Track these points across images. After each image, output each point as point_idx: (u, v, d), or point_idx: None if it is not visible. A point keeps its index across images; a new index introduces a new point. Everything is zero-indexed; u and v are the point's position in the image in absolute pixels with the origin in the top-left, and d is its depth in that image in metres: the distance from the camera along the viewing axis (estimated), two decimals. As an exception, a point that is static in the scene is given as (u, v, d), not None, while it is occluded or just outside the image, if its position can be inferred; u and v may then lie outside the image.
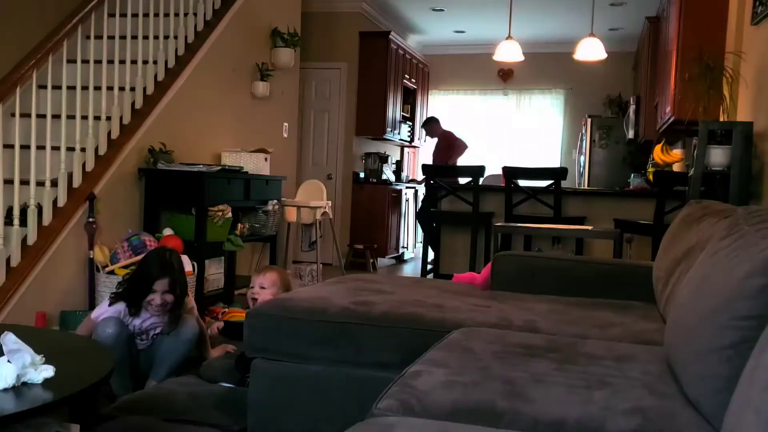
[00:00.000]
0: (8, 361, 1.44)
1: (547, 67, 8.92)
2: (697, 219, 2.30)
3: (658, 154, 5.24)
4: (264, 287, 2.82)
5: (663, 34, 5.96)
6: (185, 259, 3.96)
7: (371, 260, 7.32)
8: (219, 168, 4.41)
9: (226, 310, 4.26)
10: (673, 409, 1.38)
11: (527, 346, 1.82)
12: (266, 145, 5.38)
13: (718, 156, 3.42)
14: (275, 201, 5.09)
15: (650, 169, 5.50)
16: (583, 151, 8.19)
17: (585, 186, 7.91)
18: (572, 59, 6.69)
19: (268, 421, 2.24)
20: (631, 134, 7.43)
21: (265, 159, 5.09)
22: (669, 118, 4.99)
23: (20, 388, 1.45)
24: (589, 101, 8.71)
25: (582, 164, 8.26)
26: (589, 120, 8.12)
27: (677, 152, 5.31)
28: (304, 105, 7.41)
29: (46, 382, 1.48)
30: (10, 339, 1.48)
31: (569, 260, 3.09)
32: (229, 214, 4.40)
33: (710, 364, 1.33)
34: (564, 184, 5.05)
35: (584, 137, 8.21)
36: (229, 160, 4.89)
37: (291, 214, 5.79)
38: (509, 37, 6.25)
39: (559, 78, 9.05)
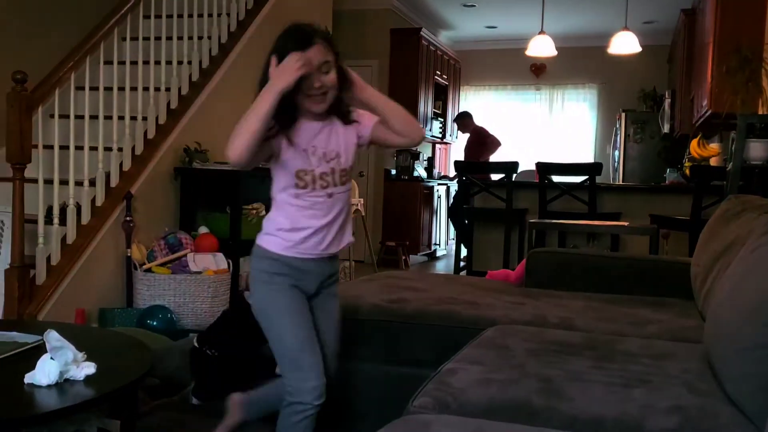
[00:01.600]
0: (51, 358, 1.47)
1: (580, 61, 8.81)
2: (737, 214, 2.25)
3: (694, 148, 5.14)
4: None
5: (699, 26, 5.84)
6: (220, 256, 4.01)
7: (403, 257, 7.32)
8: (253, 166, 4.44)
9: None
10: (714, 407, 1.35)
11: (563, 343, 1.80)
12: (298, 143, 5.40)
13: (757, 150, 3.34)
14: (308, 199, 5.12)
15: (687, 164, 5.40)
16: (618, 146, 8.08)
17: (620, 181, 7.80)
18: (606, 53, 6.60)
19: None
20: (666, 128, 7.30)
21: (298, 157, 5.11)
22: (706, 112, 4.89)
23: (63, 384, 1.48)
24: (623, 95, 8.58)
25: (616, 159, 8.15)
26: (623, 114, 7.99)
27: (714, 146, 5.20)
28: (336, 103, 7.42)
29: (88, 379, 1.51)
30: (53, 336, 1.51)
31: (605, 257, 3.05)
32: (263, 212, 4.43)
33: (753, 361, 1.30)
34: (598, 179, 4.98)
35: (618, 132, 8.09)
36: (262, 158, 4.92)
37: (323, 212, 5.81)
38: (542, 31, 6.19)
39: (593, 72, 8.93)
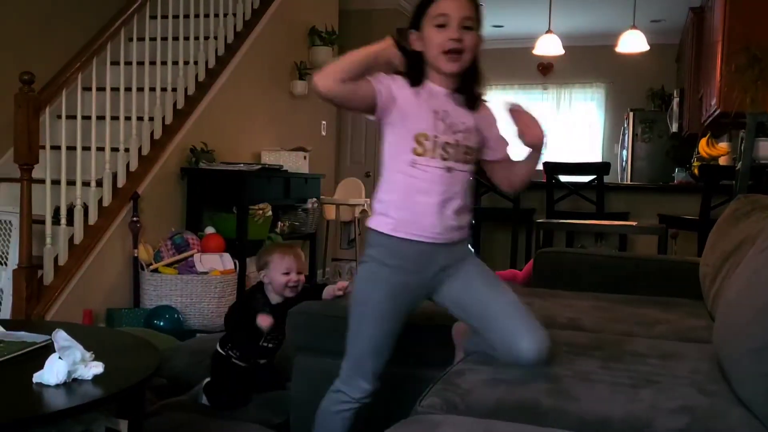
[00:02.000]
0: (59, 357, 1.48)
1: (587, 60, 8.77)
2: (746, 213, 2.24)
3: (703, 147, 5.12)
4: (300, 272, 2.47)
5: (708, 25, 5.82)
6: (227, 257, 4.02)
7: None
8: (259, 167, 4.46)
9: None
10: (723, 408, 1.34)
11: (571, 344, 1.79)
12: (305, 143, 5.42)
13: (766, 149, 3.33)
14: (314, 199, 5.12)
15: (695, 163, 5.38)
16: (626, 145, 8.05)
17: (628, 181, 7.77)
18: (613, 52, 6.57)
19: (311, 416, 2.25)
20: (674, 128, 7.27)
21: (304, 157, 5.12)
22: (715, 111, 4.87)
23: (71, 384, 1.48)
24: (631, 95, 8.54)
25: (624, 159, 8.12)
26: (631, 114, 7.96)
27: (723, 145, 5.18)
28: (342, 103, 7.41)
29: (96, 379, 1.51)
30: (61, 336, 1.51)
31: (613, 257, 3.04)
32: (270, 213, 4.44)
33: (763, 362, 1.29)
34: (606, 179, 4.96)
35: (626, 131, 8.06)
36: (269, 158, 4.93)
37: (330, 212, 5.82)
38: (549, 30, 6.17)
39: (600, 71, 8.89)
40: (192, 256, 3.88)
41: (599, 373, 1.55)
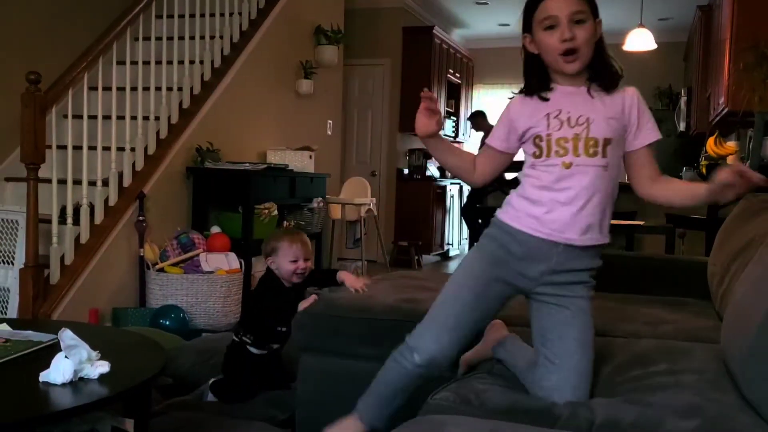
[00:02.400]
0: (66, 356, 1.48)
1: (593, 59, 8.74)
2: (755, 213, 2.23)
3: (711, 146, 5.09)
4: (308, 259, 2.52)
5: (715, 23, 5.78)
6: (232, 256, 4.02)
7: (416, 257, 7.31)
8: (265, 166, 4.46)
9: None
10: (731, 410, 1.33)
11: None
12: (310, 142, 5.41)
13: (775, 147, 3.30)
14: (320, 198, 5.12)
15: (703, 162, 5.35)
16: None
17: (634, 180, 7.72)
18: (621, 50, 6.54)
19: (316, 417, 2.24)
20: (682, 127, 7.24)
21: (310, 156, 5.12)
22: (722, 110, 4.84)
23: (77, 383, 1.48)
24: (642, 95, 8.51)
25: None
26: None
27: (731, 144, 5.15)
28: (348, 102, 7.43)
29: (102, 378, 1.51)
30: (68, 335, 1.51)
31: (620, 256, 3.03)
32: (275, 212, 4.44)
33: (772, 363, 1.28)
34: (613, 178, 4.94)
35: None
36: (275, 158, 4.93)
37: (335, 212, 5.82)
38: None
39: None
40: (198, 255, 3.88)
41: (608, 375, 1.55)
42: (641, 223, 4.50)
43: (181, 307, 3.65)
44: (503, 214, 1.61)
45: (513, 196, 1.62)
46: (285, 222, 4.78)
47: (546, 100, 1.55)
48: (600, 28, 1.57)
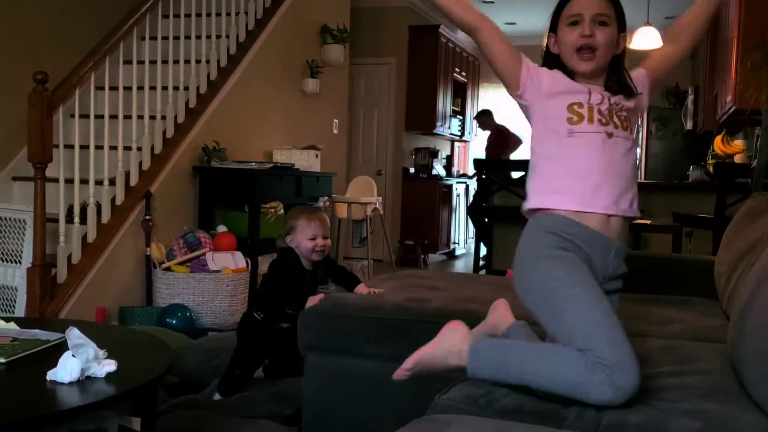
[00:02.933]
0: (73, 355, 1.48)
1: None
2: (762, 211, 2.21)
3: (718, 145, 5.07)
4: (326, 237, 2.53)
5: (722, 21, 5.76)
6: (239, 255, 4.02)
7: (422, 256, 7.31)
8: (271, 165, 4.46)
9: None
10: (737, 412, 1.33)
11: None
12: (316, 141, 5.42)
13: (783, 146, 3.28)
14: (326, 197, 5.12)
15: (710, 161, 5.33)
16: (639, 143, 8.00)
17: (642, 179, 7.72)
18: (627, 49, 6.51)
19: (323, 416, 2.25)
20: (689, 125, 7.21)
21: (316, 155, 5.12)
22: (730, 108, 4.82)
23: (84, 381, 1.49)
24: (645, 93, 8.48)
25: (638, 157, 8.07)
26: (645, 111, 7.91)
27: (739, 143, 5.12)
28: (354, 101, 7.43)
29: (109, 376, 1.52)
30: (75, 334, 1.52)
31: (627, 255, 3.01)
32: (281, 211, 4.44)
33: (779, 364, 1.27)
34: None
35: (640, 129, 8.01)
36: (281, 157, 4.94)
37: (342, 211, 5.82)
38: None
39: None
40: (204, 254, 3.89)
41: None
42: (648, 222, 4.49)
43: (187, 306, 3.66)
44: (549, 202, 1.53)
45: (548, 185, 1.54)
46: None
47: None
48: (624, 42, 1.59)
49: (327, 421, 2.25)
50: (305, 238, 2.45)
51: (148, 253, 3.83)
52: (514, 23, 8.59)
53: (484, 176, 5.46)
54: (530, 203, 1.57)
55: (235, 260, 3.98)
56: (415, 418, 1.34)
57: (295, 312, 2.39)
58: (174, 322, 3.51)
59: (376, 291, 2.39)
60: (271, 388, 2.47)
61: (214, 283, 3.79)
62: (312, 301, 2.30)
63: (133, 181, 3.84)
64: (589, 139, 1.50)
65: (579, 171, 1.50)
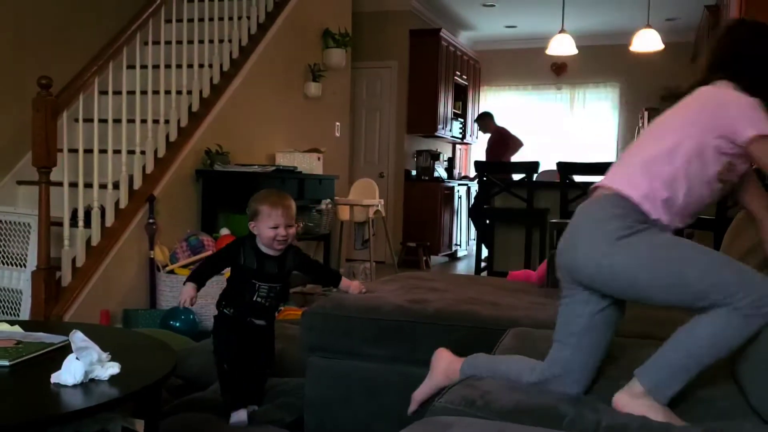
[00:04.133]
0: (77, 358, 1.50)
1: (601, 60, 8.74)
2: (763, 214, 2.21)
3: (719, 146, 5.06)
4: (290, 225, 2.27)
5: (723, 23, 5.76)
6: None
7: (424, 258, 7.32)
8: (273, 168, 4.48)
9: (282, 308, 4.32)
10: (738, 418, 1.34)
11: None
12: (319, 144, 5.44)
13: (784, 148, 3.28)
14: (328, 200, 5.14)
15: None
16: (640, 144, 7.98)
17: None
18: (628, 51, 6.54)
19: (324, 417, 2.26)
20: (690, 127, 7.20)
21: (318, 158, 5.14)
22: (731, 110, 4.81)
23: (88, 384, 1.50)
24: (645, 94, 8.49)
25: (639, 159, 8.05)
26: (645, 113, 7.91)
27: (740, 144, 5.12)
28: (356, 104, 7.45)
29: (113, 379, 1.53)
30: (78, 337, 1.53)
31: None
32: (284, 214, 4.45)
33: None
34: (621, 179, 4.93)
35: (641, 131, 8.01)
36: (283, 160, 4.95)
37: (344, 213, 5.83)
38: (562, 30, 6.15)
39: (614, 71, 8.85)
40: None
41: (615, 380, 1.55)
42: (650, 223, 4.49)
43: (191, 309, 3.67)
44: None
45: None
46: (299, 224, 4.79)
47: None
48: None
49: (329, 424, 2.26)
50: (266, 226, 2.22)
51: (152, 256, 3.85)
52: (514, 26, 8.61)
53: (485, 178, 5.47)
54: (636, 192, 1.53)
55: (238, 263, 3.99)
56: (416, 420, 1.35)
57: (269, 303, 2.29)
58: (177, 324, 3.52)
59: (363, 290, 2.39)
60: (272, 393, 2.47)
61: (217, 286, 3.78)
62: (186, 294, 2.19)
63: (137, 184, 3.86)
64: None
65: (697, 208, 1.57)
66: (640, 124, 8.07)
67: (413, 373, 2.15)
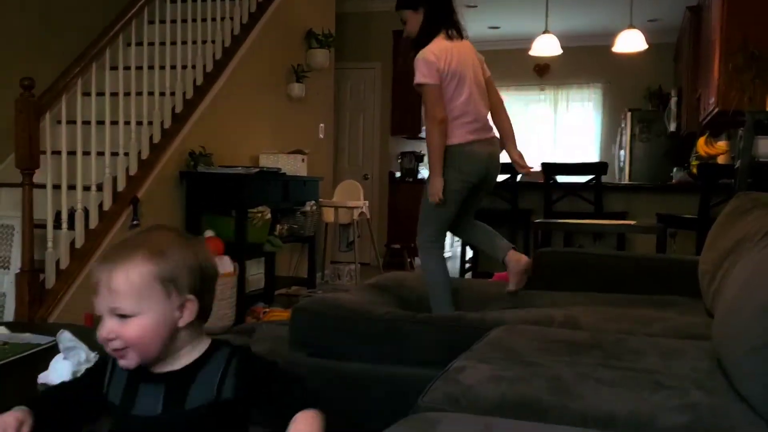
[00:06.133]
0: (64, 358, 1.49)
1: (584, 60, 8.80)
2: (746, 211, 2.25)
3: (701, 146, 5.13)
4: (129, 315, 1.11)
5: (705, 24, 5.84)
6: (226, 259, 4.02)
7: (408, 259, 7.33)
8: (257, 170, 4.47)
9: (267, 310, 4.32)
10: (725, 405, 1.35)
11: (570, 342, 1.80)
12: (303, 146, 5.43)
13: (765, 146, 3.34)
14: (313, 202, 5.13)
15: (693, 162, 5.39)
16: (623, 145, 8.07)
17: (626, 180, 7.79)
18: (611, 52, 6.59)
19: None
20: (672, 127, 7.30)
21: (302, 160, 5.13)
22: (713, 110, 4.88)
23: (75, 384, 1.49)
24: (628, 95, 8.57)
25: (622, 159, 8.14)
26: (629, 114, 7.99)
27: (722, 144, 5.19)
28: (340, 105, 7.45)
29: (100, 380, 1.52)
30: (66, 337, 1.52)
31: (612, 256, 3.06)
32: (268, 216, 4.45)
33: (763, 360, 1.30)
34: (604, 179, 4.98)
35: (624, 131, 8.09)
36: (267, 161, 4.94)
37: (329, 215, 5.83)
38: (546, 31, 6.19)
39: (598, 72, 8.92)
40: (192, 259, 3.88)
41: (600, 370, 1.56)
42: (633, 223, 4.53)
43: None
44: None
45: None
46: (278, 225, 4.79)
47: None
48: None
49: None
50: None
51: (136, 259, 3.82)
52: (497, 27, 8.65)
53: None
54: None
55: (223, 264, 3.98)
56: (402, 417, 1.35)
57: None
58: (162, 327, 3.50)
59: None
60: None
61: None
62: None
63: (121, 186, 3.84)
64: None
65: None
66: (623, 125, 8.14)
67: (400, 373, 2.17)
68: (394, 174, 7.84)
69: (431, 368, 1.86)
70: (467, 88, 2.66)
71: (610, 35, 6.50)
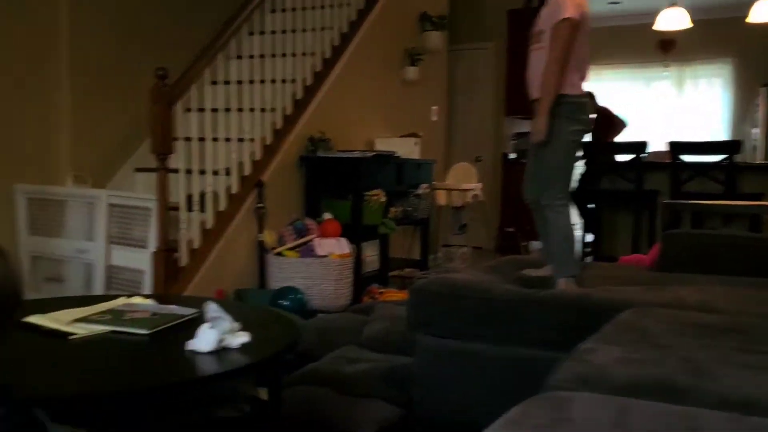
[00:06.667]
0: (211, 326, 1.60)
1: (714, 34, 8.25)
2: None
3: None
4: None
5: None
6: (344, 241, 4.13)
7: (523, 243, 7.21)
8: (373, 154, 4.54)
9: (383, 291, 4.40)
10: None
11: (705, 325, 1.73)
12: (416, 129, 5.46)
13: None
14: (426, 185, 5.16)
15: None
16: (758, 123, 7.53)
17: (761, 160, 7.28)
18: (743, 24, 6.16)
19: (432, 395, 2.30)
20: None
21: (416, 143, 5.17)
22: None
23: (220, 351, 1.60)
24: (763, 69, 7.98)
25: (756, 137, 7.61)
26: (764, 90, 7.44)
27: None
28: (453, 87, 7.40)
29: (243, 347, 1.63)
30: (212, 308, 1.63)
31: (748, 237, 2.89)
32: (383, 199, 4.52)
33: None
34: (736, 159, 4.68)
35: (758, 108, 7.55)
36: (382, 145, 5.01)
37: (441, 197, 5.84)
38: (673, 3, 5.88)
39: (728, 46, 8.35)
40: (312, 240, 4.02)
41: (738, 354, 1.50)
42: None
43: (299, 289, 3.80)
44: None
45: None
46: (392, 208, 4.85)
47: None
48: None
49: (436, 401, 2.29)
50: None
51: (261, 239, 4.01)
52: (618, 2, 8.28)
53: (589, 160, 5.32)
54: None
55: (340, 246, 4.09)
56: (525, 397, 1.35)
57: None
58: (286, 303, 3.65)
59: None
60: (388, 370, 2.51)
61: (321, 268, 3.92)
62: None
63: (247, 171, 4.02)
64: None
65: None
66: (758, 101, 7.59)
67: (521, 354, 2.16)
68: (508, 155, 7.72)
69: (554, 350, 1.85)
70: (587, 40, 2.64)
71: (744, 5, 6.07)
